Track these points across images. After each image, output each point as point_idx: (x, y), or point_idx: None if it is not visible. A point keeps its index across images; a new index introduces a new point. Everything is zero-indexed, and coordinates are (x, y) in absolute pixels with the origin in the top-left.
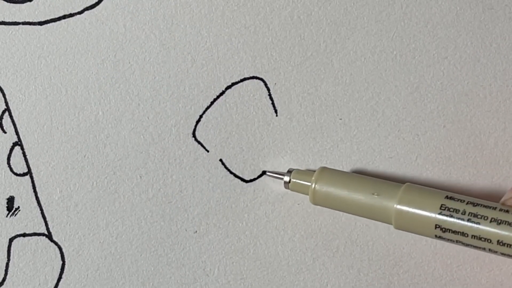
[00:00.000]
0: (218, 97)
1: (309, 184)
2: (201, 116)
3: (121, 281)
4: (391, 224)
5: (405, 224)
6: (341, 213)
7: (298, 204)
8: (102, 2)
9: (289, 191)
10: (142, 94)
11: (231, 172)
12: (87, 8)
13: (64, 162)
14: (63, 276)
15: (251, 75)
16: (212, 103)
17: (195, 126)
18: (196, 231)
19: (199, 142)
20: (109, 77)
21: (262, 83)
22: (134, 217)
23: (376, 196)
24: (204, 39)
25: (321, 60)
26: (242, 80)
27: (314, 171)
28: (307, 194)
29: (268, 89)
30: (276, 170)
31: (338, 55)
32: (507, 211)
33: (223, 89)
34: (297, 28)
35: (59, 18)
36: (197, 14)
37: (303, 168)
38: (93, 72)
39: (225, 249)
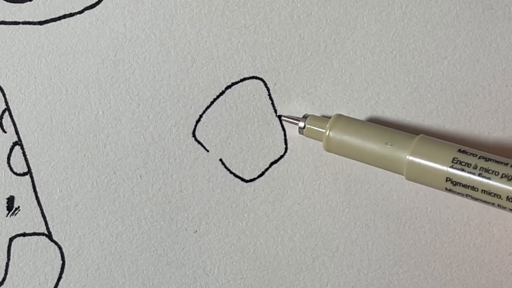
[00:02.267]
0: (218, 97)
1: (323, 131)
2: (201, 116)
3: (121, 281)
4: (403, 174)
5: (417, 175)
6: (340, 213)
7: (298, 204)
8: (102, 2)
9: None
10: (142, 94)
11: (231, 172)
12: (87, 8)
13: (64, 162)
14: (63, 275)
15: (251, 75)
16: (212, 103)
17: (195, 126)
18: (196, 231)
19: (199, 142)
20: (109, 77)
21: (262, 83)
22: (134, 217)
23: (389, 146)
24: (204, 39)
25: (320, 60)
26: (242, 80)
27: (330, 117)
28: (321, 141)
29: (268, 89)
30: (291, 115)
31: (337, 55)
32: None
33: (223, 89)
34: (297, 28)
35: (59, 18)
36: (197, 14)
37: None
38: (93, 72)
39: (225, 249)
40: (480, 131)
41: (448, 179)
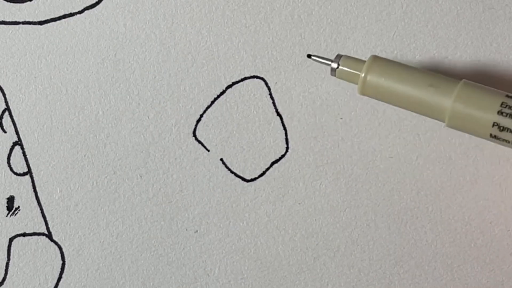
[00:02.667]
0: (218, 96)
1: (359, 73)
2: (201, 116)
3: (121, 281)
4: (444, 121)
5: (460, 122)
6: (341, 212)
7: (299, 203)
8: (102, 2)
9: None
10: (142, 93)
11: (231, 172)
12: (87, 8)
13: (64, 161)
14: (63, 275)
15: (252, 75)
16: (212, 102)
17: (196, 125)
18: (197, 231)
19: (199, 142)
20: (109, 76)
21: (262, 83)
22: (134, 216)
23: (432, 88)
24: (204, 39)
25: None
26: (242, 80)
27: (364, 61)
28: (356, 83)
29: (269, 89)
30: (323, 56)
31: None
32: None
33: (224, 88)
34: (297, 28)
35: (59, 18)
36: (197, 14)
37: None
38: (93, 72)
39: (225, 249)
40: None
41: (495, 124)
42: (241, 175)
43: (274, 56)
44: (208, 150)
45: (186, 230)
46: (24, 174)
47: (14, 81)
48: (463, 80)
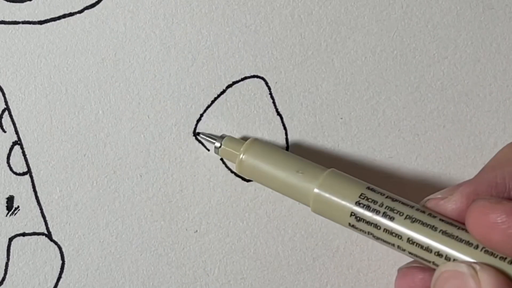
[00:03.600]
0: (218, 96)
1: (237, 153)
2: (201, 115)
3: (121, 280)
4: (309, 206)
5: (322, 208)
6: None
7: (299, 204)
8: (102, 1)
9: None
10: (142, 93)
11: (231, 172)
12: (87, 7)
13: (64, 161)
14: (63, 275)
15: (252, 74)
16: (212, 102)
17: (196, 125)
18: (197, 231)
19: (199, 141)
20: (109, 76)
21: (263, 82)
22: (134, 216)
23: (300, 174)
24: (204, 38)
25: (321, 59)
26: (243, 79)
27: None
28: (235, 163)
29: (269, 88)
30: (210, 133)
31: (338, 55)
32: (424, 212)
33: (224, 88)
34: (298, 27)
35: (59, 17)
36: (197, 13)
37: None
38: (93, 72)
39: (225, 248)
40: (481, 130)
41: (353, 214)
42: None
43: (274, 56)
44: (208, 150)
45: (186, 230)
46: (23, 173)
47: (13, 81)
48: (331, 169)
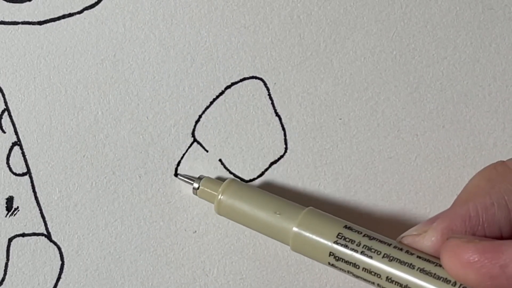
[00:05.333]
0: (217, 97)
1: (216, 193)
2: (200, 116)
3: (120, 281)
4: (289, 245)
5: (302, 247)
6: (340, 213)
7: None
8: (102, 2)
9: None
10: (141, 94)
11: (230, 172)
12: (86, 8)
13: (63, 162)
14: (62, 276)
15: (251, 75)
16: (211, 103)
17: (195, 126)
18: (196, 231)
19: (198, 142)
20: (108, 77)
21: (261, 83)
22: (133, 217)
23: (278, 215)
24: (203, 39)
25: (320, 60)
26: (241, 80)
27: (225, 180)
28: (213, 203)
29: (268, 89)
30: (188, 175)
31: (337, 55)
32: (401, 249)
33: (223, 89)
34: (296, 28)
35: (58, 18)
36: (196, 14)
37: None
38: (93, 72)
39: (224, 249)
40: (480, 131)
41: (331, 254)
42: (240, 175)
43: (273, 57)
44: (207, 151)
45: (185, 230)
46: (23, 174)
47: (13, 82)
48: (309, 207)
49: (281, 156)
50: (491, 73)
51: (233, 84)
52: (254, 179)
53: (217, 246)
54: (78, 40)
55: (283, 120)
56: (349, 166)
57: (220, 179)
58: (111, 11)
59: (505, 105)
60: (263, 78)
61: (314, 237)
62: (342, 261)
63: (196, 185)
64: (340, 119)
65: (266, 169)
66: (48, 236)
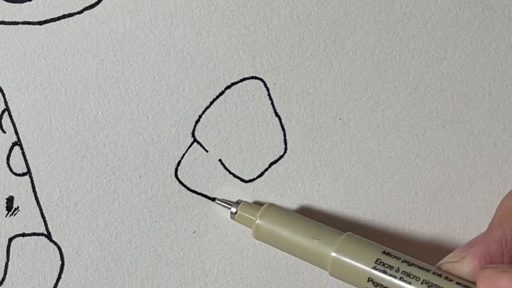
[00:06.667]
0: (217, 97)
1: (254, 218)
2: (200, 116)
3: (120, 281)
4: (327, 270)
5: (340, 272)
6: (340, 212)
7: (298, 204)
8: (102, 2)
9: None
10: (141, 94)
11: (230, 172)
12: (86, 8)
13: (63, 162)
14: (62, 276)
15: (251, 75)
16: (211, 103)
17: (195, 126)
18: (195, 231)
19: (198, 142)
20: (108, 77)
21: (261, 83)
22: (133, 217)
23: (316, 240)
24: (203, 39)
25: (320, 60)
26: (241, 80)
27: (263, 204)
28: (251, 228)
29: (268, 89)
30: (226, 199)
31: (337, 55)
32: (440, 275)
33: (223, 89)
34: (296, 28)
35: (58, 18)
36: (196, 14)
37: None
38: (93, 72)
39: (224, 249)
40: (480, 131)
41: (370, 279)
42: (240, 175)
43: (273, 57)
44: (207, 151)
45: (185, 230)
46: (23, 174)
47: (13, 81)
48: (348, 233)
49: (281, 156)
50: (491, 73)
51: (233, 84)
52: (253, 179)
53: (217, 246)
54: (78, 40)
55: (283, 120)
56: (349, 166)
57: (258, 204)
58: (111, 11)
59: (505, 105)
60: (263, 78)
61: (352, 262)
62: (380, 287)
63: (233, 209)
64: (340, 119)
65: (266, 169)
66: (48, 236)
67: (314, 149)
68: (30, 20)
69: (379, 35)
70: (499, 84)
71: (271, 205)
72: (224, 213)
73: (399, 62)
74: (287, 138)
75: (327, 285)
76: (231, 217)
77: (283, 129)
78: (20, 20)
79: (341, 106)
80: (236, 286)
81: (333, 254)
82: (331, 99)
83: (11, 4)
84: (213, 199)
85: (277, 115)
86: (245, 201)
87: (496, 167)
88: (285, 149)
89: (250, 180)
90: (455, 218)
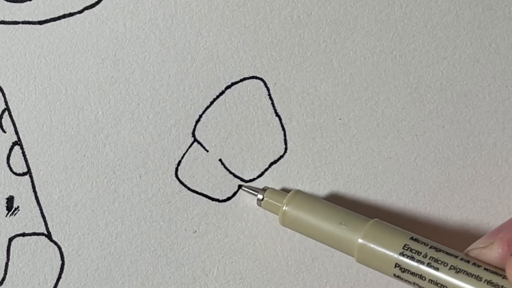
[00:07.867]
0: (217, 97)
1: (280, 205)
2: (200, 116)
3: (120, 281)
4: (354, 256)
5: (367, 258)
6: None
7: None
8: (102, 2)
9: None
10: (142, 94)
11: (230, 172)
12: (87, 8)
13: (63, 162)
14: (63, 275)
15: (251, 75)
16: (211, 103)
17: (195, 125)
18: (196, 231)
19: (198, 142)
20: (108, 76)
21: (261, 83)
22: (133, 217)
23: (343, 226)
24: (204, 39)
25: (320, 60)
26: (241, 80)
27: (289, 191)
28: (278, 214)
29: (268, 89)
30: (252, 186)
31: (337, 55)
32: (468, 261)
33: (223, 89)
34: (297, 28)
35: (58, 18)
36: (197, 14)
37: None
38: (93, 72)
39: (224, 249)
40: (480, 131)
41: (397, 265)
42: (240, 175)
43: (273, 57)
44: (207, 151)
45: (185, 230)
46: (23, 174)
47: (13, 81)
48: (375, 219)
49: (281, 156)
50: (491, 73)
51: (233, 84)
52: (254, 179)
53: (217, 246)
54: (79, 40)
55: (283, 120)
56: (349, 166)
57: (285, 190)
58: (111, 11)
59: (505, 105)
60: (263, 78)
61: (379, 248)
62: (408, 273)
63: (260, 196)
64: (340, 119)
65: (266, 169)
66: (49, 235)
67: (314, 149)
68: (30, 20)
69: (379, 35)
70: (499, 84)
71: (298, 191)
72: (250, 199)
73: (399, 62)
74: (287, 138)
75: (327, 285)
76: (258, 204)
77: (283, 129)
78: (20, 20)
79: (341, 106)
80: (236, 286)
81: (360, 240)
82: (331, 99)
83: (11, 3)
84: (240, 187)
85: (277, 115)
86: (272, 188)
87: (496, 167)
88: (285, 149)
89: (250, 180)
90: (454, 218)
